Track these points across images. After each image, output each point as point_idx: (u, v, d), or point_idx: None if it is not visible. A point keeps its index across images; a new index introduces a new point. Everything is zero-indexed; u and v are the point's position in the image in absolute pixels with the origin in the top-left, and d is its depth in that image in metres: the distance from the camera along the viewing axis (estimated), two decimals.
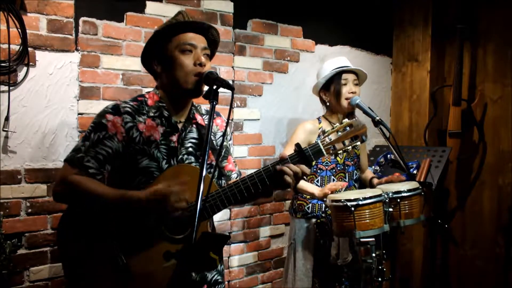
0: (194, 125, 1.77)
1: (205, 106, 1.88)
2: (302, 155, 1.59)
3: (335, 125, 1.64)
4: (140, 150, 1.64)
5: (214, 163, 1.77)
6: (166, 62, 1.68)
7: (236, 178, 1.87)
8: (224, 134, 1.79)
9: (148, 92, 1.76)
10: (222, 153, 1.87)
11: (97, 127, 1.63)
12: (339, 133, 1.62)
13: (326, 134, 1.63)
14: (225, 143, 1.88)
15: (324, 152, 1.60)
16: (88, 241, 1.61)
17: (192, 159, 1.73)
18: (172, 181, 1.52)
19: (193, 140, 1.75)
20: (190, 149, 1.73)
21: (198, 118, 1.80)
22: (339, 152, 1.63)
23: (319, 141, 1.61)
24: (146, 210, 1.54)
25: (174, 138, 1.71)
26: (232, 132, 3.07)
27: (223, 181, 1.86)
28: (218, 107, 1.69)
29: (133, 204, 1.53)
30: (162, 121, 1.70)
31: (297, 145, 1.62)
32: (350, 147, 1.62)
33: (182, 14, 1.72)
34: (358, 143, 1.63)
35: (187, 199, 1.51)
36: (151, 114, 1.69)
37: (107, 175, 1.65)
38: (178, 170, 1.65)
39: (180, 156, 1.70)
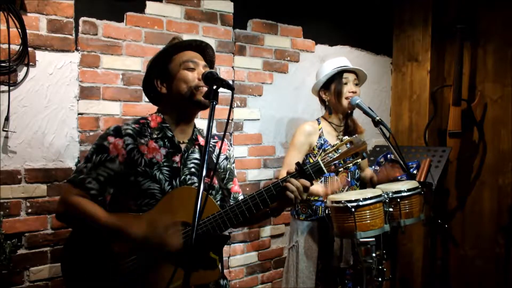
0: (196, 146, 1.79)
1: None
2: (303, 174, 1.63)
3: (335, 144, 1.68)
4: (142, 172, 1.65)
5: (215, 185, 1.79)
6: (171, 79, 1.72)
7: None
8: (223, 157, 1.85)
9: (151, 115, 1.78)
10: (227, 176, 1.89)
11: (98, 149, 1.65)
12: (340, 151, 1.67)
13: (326, 152, 1.67)
14: (228, 166, 1.90)
15: (325, 170, 1.64)
16: (91, 265, 1.61)
17: (195, 179, 1.73)
18: (164, 217, 1.56)
19: (196, 161, 1.76)
20: (193, 169, 1.74)
21: (201, 139, 1.82)
22: (340, 170, 1.67)
23: (319, 160, 1.65)
24: (140, 247, 1.57)
25: (177, 158, 1.72)
26: (232, 132, 3.07)
27: (232, 202, 1.85)
28: (218, 107, 1.69)
29: (127, 238, 1.56)
30: (165, 142, 1.72)
31: (298, 163, 1.65)
32: (351, 164, 1.67)
33: (177, 39, 1.79)
34: (359, 160, 1.67)
35: (181, 234, 1.56)
36: (154, 136, 1.71)
37: (109, 197, 1.66)
38: (179, 193, 1.66)
39: (183, 177, 1.71)
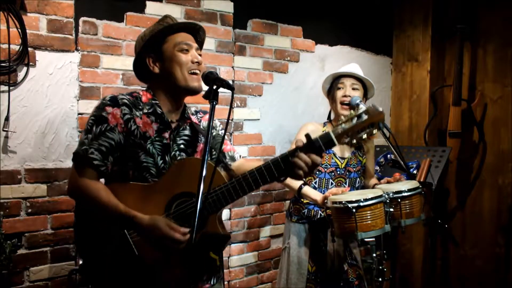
0: (187, 124, 1.81)
1: (193, 107, 1.94)
2: (312, 146, 1.52)
3: (349, 114, 1.51)
4: (137, 144, 1.67)
5: (214, 157, 1.82)
6: (165, 60, 1.72)
7: (240, 158, 1.93)
8: (209, 126, 1.83)
9: (142, 90, 1.79)
10: (215, 143, 1.89)
11: (98, 119, 1.66)
12: (354, 121, 1.48)
13: (339, 122, 1.52)
14: (215, 133, 1.91)
15: (335, 142, 1.51)
16: (102, 228, 1.65)
17: (184, 155, 1.75)
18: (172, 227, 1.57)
19: (186, 138, 1.78)
20: (182, 146, 1.76)
21: (192, 117, 1.85)
22: (353, 142, 1.50)
23: (330, 131, 1.52)
24: (142, 232, 1.60)
25: (167, 135, 1.74)
26: (232, 132, 3.06)
27: (228, 162, 1.89)
28: (218, 107, 1.70)
29: (133, 224, 1.59)
30: (156, 117, 1.73)
31: (307, 135, 1.53)
32: (365, 135, 1.49)
33: (170, 18, 1.79)
34: (375, 131, 1.48)
35: (186, 241, 1.56)
36: (145, 111, 1.72)
37: (110, 166, 1.67)
38: (182, 165, 1.68)
39: (173, 153, 1.73)
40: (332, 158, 2.56)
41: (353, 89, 2.54)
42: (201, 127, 1.86)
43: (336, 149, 2.58)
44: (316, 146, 1.52)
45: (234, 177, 1.62)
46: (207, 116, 1.92)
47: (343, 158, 2.58)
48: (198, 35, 1.84)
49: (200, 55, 1.77)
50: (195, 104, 2.82)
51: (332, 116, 2.67)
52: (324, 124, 2.66)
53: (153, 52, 1.73)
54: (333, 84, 2.61)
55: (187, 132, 1.79)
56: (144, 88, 1.81)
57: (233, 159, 1.92)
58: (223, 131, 1.95)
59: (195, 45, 1.75)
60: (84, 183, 1.62)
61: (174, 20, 1.79)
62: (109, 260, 1.64)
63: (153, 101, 1.74)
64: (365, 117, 1.48)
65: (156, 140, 1.70)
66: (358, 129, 1.48)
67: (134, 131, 1.67)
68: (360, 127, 1.48)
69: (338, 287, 2.55)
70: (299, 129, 2.62)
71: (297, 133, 2.64)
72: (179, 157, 1.73)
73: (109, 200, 1.61)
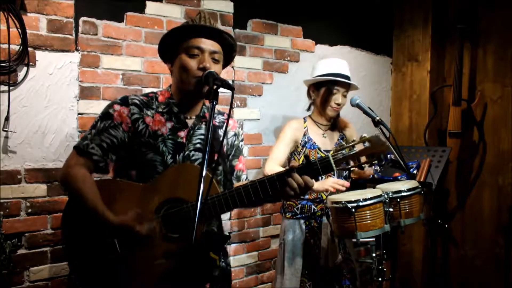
0: (204, 123, 1.79)
1: (217, 107, 1.88)
2: (310, 168, 1.54)
3: (352, 141, 1.54)
4: (145, 143, 1.67)
5: (219, 162, 1.79)
6: (175, 60, 1.71)
7: (245, 180, 1.88)
8: (231, 133, 1.84)
9: (161, 90, 1.80)
10: (233, 152, 1.89)
11: (104, 116, 1.68)
12: (355, 149, 1.50)
13: (340, 147, 1.54)
14: (236, 142, 1.90)
15: (334, 167, 1.52)
16: (87, 225, 1.64)
17: (199, 155, 1.74)
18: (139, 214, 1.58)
19: (201, 137, 1.76)
20: (198, 145, 1.74)
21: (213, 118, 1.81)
22: (352, 169, 1.53)
23: (330, 155, 1.53)
24: (113, 232, 1.59)
25: (182, 134, 1.73)
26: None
27: (233, 180, 1.87)
28: (218, 107, 1.69)
29: (103, 222, 1.58)
30: (171, 116, 1.73)
31: (306, 156, 1.56)
32: (366, 165, 1.52)
33: (200, 14, 1.72)
34: (375, 162, 1.51)
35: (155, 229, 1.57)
36: (160, 110, 1.72)
37: (111, 163, 1.69)
38: (179, 170, 1.67)
39: (187, 152, 1.72)
40: (318, 153, 2.63)
41: (344, 96, 2.64)
42: (221, 130, 1.82)
43: (320, 143, 2.63)
44: (314, 168, 1.53)
45: (228, 190, 1.60)
46: (230, 121, 1.89)
47: (327, 151, 2.62)
48: (224, 38, 1.71)
49: (217, 58, 1.68)
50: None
51: (310, 108, 2.76)
52: (305, 120, 2.70)
53: (170, 50, 1.72)
54: (326, 82, 2.62)
55: (202, 131, 1.77)
56: (162, 89, 1.82)
57: (238, 178, 1.89)
58: (242, 142, 1.94)
59: (209, 48, 1.66)
60: (75, 172, 1.62)
61: (203, 18, 1.69)
62: (96, 265, 1.63)
63: (170, 100, 1.74)
64: (366, 146, 1.49)
65: (168, 138, 1.70)
66: (357, 157, 1.50)
67: (142, 130, 1.68)
68: (360, 156, 1.50)
69: (331, 281, 2.57)
70: (283, 127, 2.69)
71: (282, 129, 2.70)
72: (193, 157, 1.72)
73: (92, 196, 1.60)
